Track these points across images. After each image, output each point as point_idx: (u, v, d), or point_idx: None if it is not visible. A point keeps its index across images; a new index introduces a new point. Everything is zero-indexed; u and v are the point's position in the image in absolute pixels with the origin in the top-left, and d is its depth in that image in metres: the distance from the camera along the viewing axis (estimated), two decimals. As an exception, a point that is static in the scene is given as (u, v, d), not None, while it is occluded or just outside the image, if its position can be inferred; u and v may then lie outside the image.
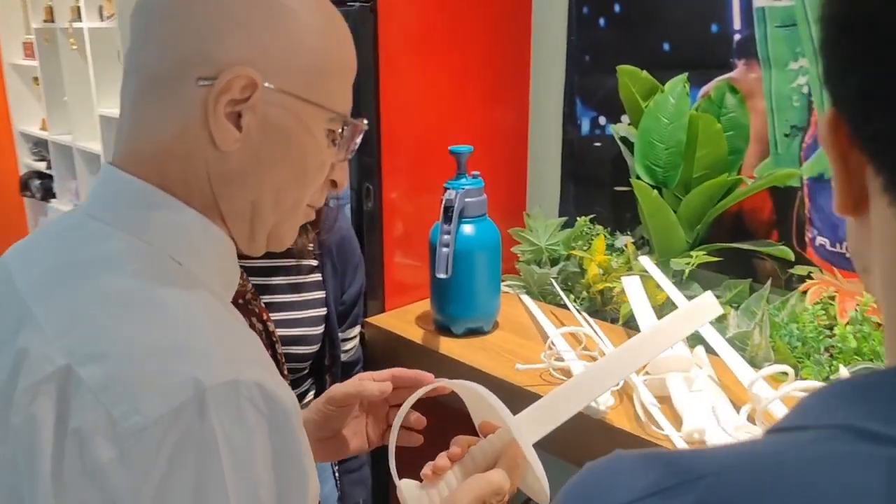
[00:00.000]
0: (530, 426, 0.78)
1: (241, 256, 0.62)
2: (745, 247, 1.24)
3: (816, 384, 0.84)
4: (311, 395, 1.16)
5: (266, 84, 0.55)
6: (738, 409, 0.94)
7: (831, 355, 1.04)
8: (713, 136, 1.21)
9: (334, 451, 0.83)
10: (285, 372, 0.69)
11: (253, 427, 0.48)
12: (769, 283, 1.16)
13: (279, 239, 0.63)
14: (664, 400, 0.95)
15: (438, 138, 1.30)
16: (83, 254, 0.54)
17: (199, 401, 0.46)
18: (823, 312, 1.06)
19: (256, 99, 0.55)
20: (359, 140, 0.65)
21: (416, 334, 1.24)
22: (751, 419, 0.89)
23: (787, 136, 1.21)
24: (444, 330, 1.23)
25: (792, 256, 1.20)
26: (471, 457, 0.78)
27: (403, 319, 1.30)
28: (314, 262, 1.11)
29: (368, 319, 1.29)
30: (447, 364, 1.16)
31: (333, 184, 0.67)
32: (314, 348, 1.08)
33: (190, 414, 0.46)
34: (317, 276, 1.11)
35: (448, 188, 1.16)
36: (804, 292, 1.12)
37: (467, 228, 1.18)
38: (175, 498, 0.45)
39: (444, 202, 1.14)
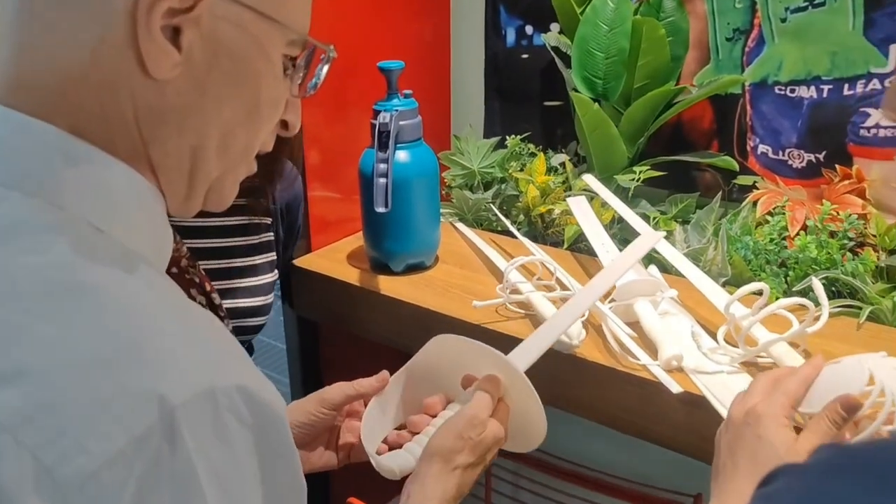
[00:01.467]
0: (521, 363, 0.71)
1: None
2: (688, 158, 1.19)
3: (795, 301, 0.80)
4: None
5: None
6: (710, 331, 0.90)
7: (786, 266, 1.02)
8: (656, 42, 1.14)
9: (307, 462, 0.75)
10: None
11: (238, 443, 0.37)
12: (719, 195, 1.12)
13: (220, 195, 0.50)
14: (634, 327, 0.90)
15: (356, 56, 1.16)
16: None
17: (168, 424, 0.34)
18: (778, 222, 1.04)
19: (202, 9, 0.41)
20: (325, 71, 0.52)
21: (351, 275, 1.13)
22: (728, 341, 0.85)
23: (728, 40, 1.16)
24: (382, 268, 1.12)
25: (736, 167, 1.16)
26: (452, 410, 0.70)
27: (333, 259, 1.19)
28: (268, 220, 0.97)
29: (295, 262, 1.16)
30: (390, 306, 1.06)
31: (284, 125, 0.54)
32: (265, 319, 0.95)
33: (157, 443, 0.34)
34: (269, 236, 0.98)
35: (380, 110, 1.04)
36: (755, 203, 1.09)
37: (402, 155, 1.06)
38: None
39: (378, 126, 1.02)
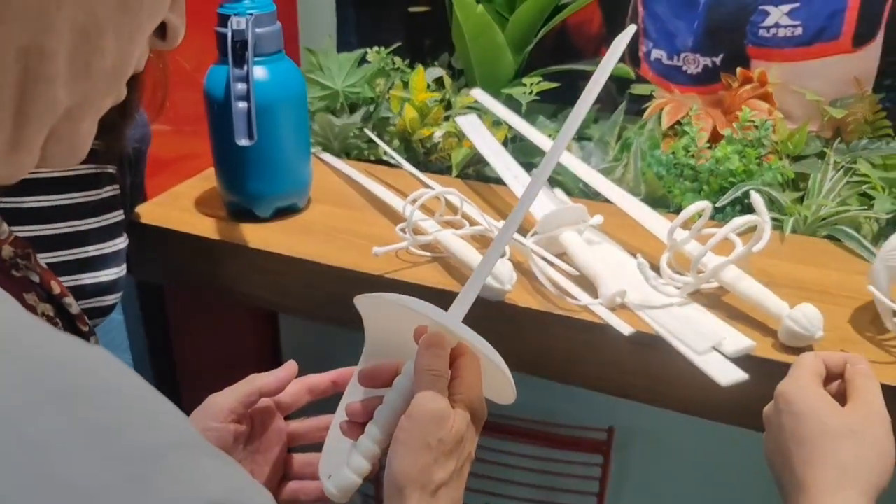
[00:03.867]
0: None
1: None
2: (582, 67, 1.07)
3: (749, 220, 0.71)
4: None
5: None
6: (645, 258, 0.80)
7: (698, 180, 0.94)
8: (545, -68, 0.99)
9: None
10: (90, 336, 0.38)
11: None
12: (622, 107, 1.02)
13: (72, 143, 0.31)
14: (564, 260, 0.78)
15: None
16: None
17: None
18: (686, 133, 0.96)
19: None
20: None
21: (203, 226, 0.91)
22: (672, 267, 0.76)
23: (619, -68, 1.04)
24: (244, 214, 0.91)
25: (632, 75, 1.07)
26: (397, 390, 0.53)
27: (176, 207, 0.95)
28: (112, 169, 0.72)
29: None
30: (262, 260, 0.86)
31: (162, 33, 0.35)
32: (118, 297, 0.72)
33: None
34: (114, 189, 0.73)
35: (229, 14, 0.81)
36: (660, 114, 1.00)
37: (260, 72, 0.85)
38: None
39: (230, 35, 0.79)
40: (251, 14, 0.81)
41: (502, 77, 1.08)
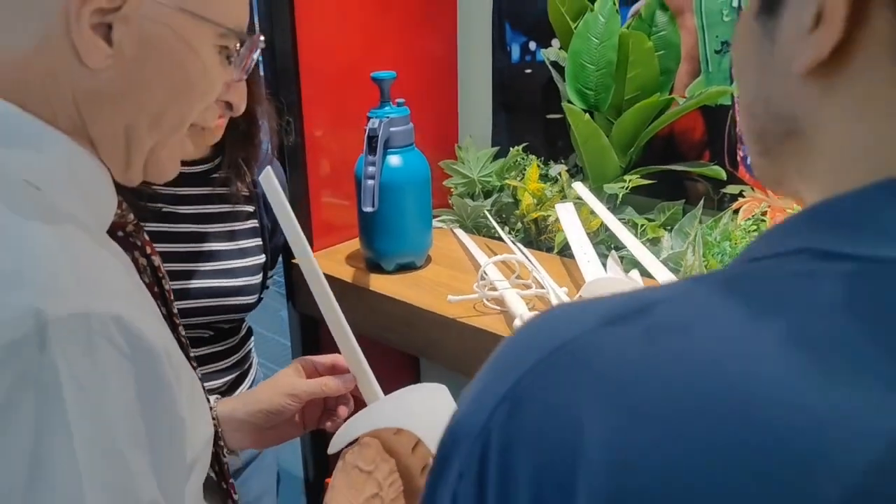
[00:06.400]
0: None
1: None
2: (677, 168, 1.22)
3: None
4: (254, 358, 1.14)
5: None
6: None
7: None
8: (644, 55, 1.18)
9: (277, 438, 0.83)
10: (174, 310, 0.64)
11: (110, 367, 0.43)
12: (701, 202, 1.14)
13: (158, 168, 0.57)
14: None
15: (362, 67, 1.23)
16: None
17: (41, 334, 0.40)
18: (755, 229, 1.05)
19: (130, 9, 0.48)
20: (255, 57, 0.59)
21: (346, 273, 1.19)
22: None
23: (717, 52, 1.19)
24: (375, 267, 1.18)
25: (724, 175, 1.18)
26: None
27: (333, 259, 1.25)
28: (250, 209, 1.05)
29: (296, 261, 1.23)
30: (378, 301, 1.12)
31: (229, 106, 0.61)
32: (253, 299, 1.03)
33: (30, 349, 0.40)
34: (253, 223, 1.06)
35: (371, 117, 1.10)
36: (736, 211, 1.11)
37: (394, 160, 1.13)
38: (11, 444, 0.40)
39: (367, 132, 1.09)
40: (387, 117, 1.10)
41: (609, 174, 1.25)
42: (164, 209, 0.96)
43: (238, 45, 0.56)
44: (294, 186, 1.23)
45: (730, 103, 1.19)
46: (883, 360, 0.25)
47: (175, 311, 0.64)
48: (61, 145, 0.50)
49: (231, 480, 0.72)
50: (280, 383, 0.82)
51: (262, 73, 1.09)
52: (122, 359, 0.43)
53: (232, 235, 1.03)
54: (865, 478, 0.23)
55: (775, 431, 0.24)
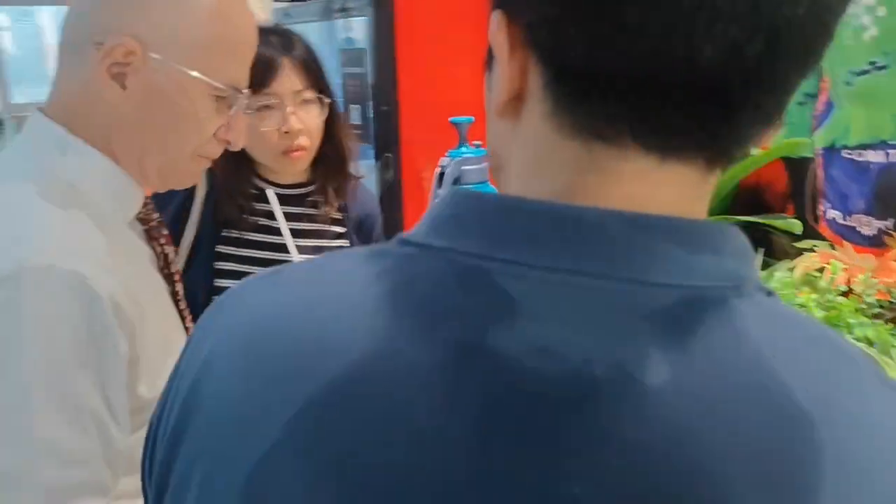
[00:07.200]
0: None
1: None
2: (753, 220, 1.19)
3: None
4: None
5: (153, 55, 0.67)
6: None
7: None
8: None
9: None
10: (178, 290, 0.80)
11: (65, 311, 0.59)
12: (761, 253, 1.12)
13: (177, 176, 0.75)
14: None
15: (462, 111, 1.37)
16: None
17: (16, 277, 0.58)
18: (804, 282, 1.02)
19: (139, 65, 0.67)
20: (238, 108, 0.74)
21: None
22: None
23: (799, 104, 1.16)
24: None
25: (798, 229, 1.14)
26: None
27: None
28: (341, 230, 1.23)
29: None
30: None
31: (228, 142, 0.77)
32: None
33: (10, 283, 0.58)
34: (342, 243, 1.23)
35: (446, 156, 1.23)
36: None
37: (468, 195, 1.24)
38: None
39: (439, 169, 1.22)
40: (460, 156, 1.22)
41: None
42: (259, 222, 1.17)
43: (229, 96, 0.72)
44: (390, 219, 1.39)
45: (812, 156, 1.15)
46: (383, 303, 0.34)
47: (178, 290, 0.81)
48: (96, 157, 0.70)
49: None
50: None
51: (341, 109, 1.27)
52: (73, 302, 0.60)
53: (318, 251, 1.21)
54: (340, 378, 0.33)
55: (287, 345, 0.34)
